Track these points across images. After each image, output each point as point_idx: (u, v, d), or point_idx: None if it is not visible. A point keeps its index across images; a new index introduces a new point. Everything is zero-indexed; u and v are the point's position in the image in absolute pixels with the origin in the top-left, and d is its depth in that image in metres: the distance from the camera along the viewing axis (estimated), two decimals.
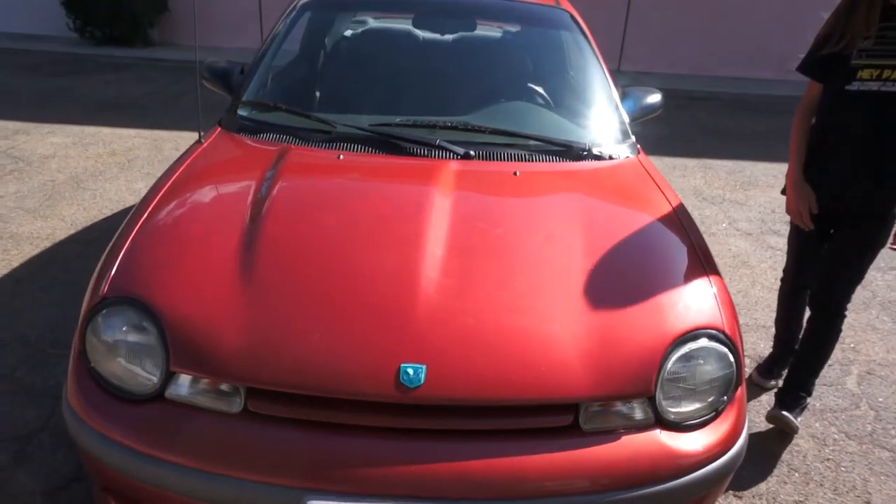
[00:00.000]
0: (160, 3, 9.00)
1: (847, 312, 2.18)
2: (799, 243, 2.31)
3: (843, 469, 2.14)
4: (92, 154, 4.77)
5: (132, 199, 3.98)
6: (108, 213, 3.77)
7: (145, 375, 1.31)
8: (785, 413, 2.19)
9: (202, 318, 1.32)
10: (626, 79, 8.37)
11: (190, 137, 5.22)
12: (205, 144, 2.04)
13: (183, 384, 1.30)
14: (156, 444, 1.26)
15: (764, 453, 2.18)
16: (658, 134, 6.09)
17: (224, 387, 1.28)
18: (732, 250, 3.85)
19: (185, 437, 1.26)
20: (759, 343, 2.88)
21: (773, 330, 2.94)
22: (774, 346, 2.64)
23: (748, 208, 4.56)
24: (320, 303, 1.35)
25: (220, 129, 2.17)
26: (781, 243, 3.98)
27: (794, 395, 2.25)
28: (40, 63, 7.85)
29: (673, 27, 9.10)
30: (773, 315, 3.09)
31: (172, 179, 1.78)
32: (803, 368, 2.26)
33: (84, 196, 3.99)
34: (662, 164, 5.45)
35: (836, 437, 2.30)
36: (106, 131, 5.34)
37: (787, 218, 2.24)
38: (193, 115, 6.51)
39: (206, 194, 1.76)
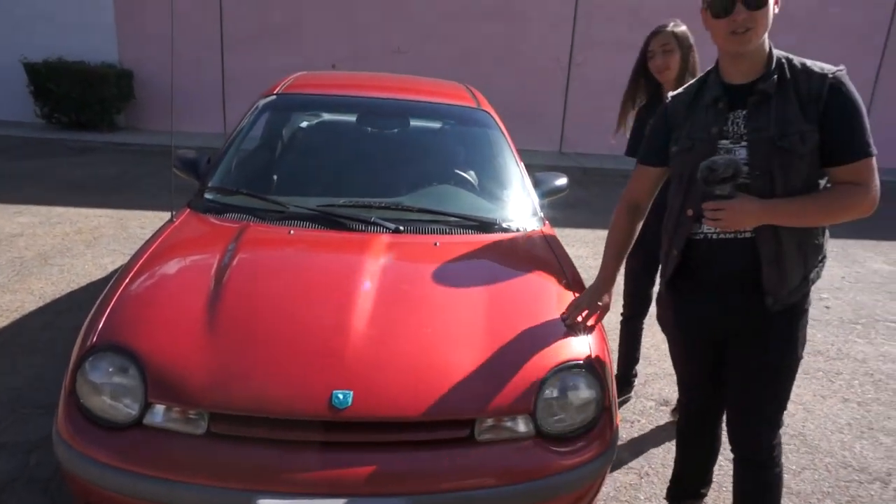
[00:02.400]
0: (127, 91, 9.50)
1: None
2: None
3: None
4: (59, 232, 5.05)
5: (99, 274, 4.26)
6: (75, 286, 4.04)
7: (126, 409, 1.63)
8: None
9: (175, 359, 1.65)
10: (566, 159, 9.11)
11: (154, 216, 5.59)
12: (176, 222, 2.41)
13: (158, 413, 1.62)
14: (135, 462, 1.56)
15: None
16: (596, 209, 6.71)
17: (192, 413, 1.60)
18: (651, 310, 4.30)
19: (159, 456, 1.56)
20: (664, 388, 3.28)
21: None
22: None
23: None
24: (270, 346, 1.71)
25: (189, 209, 2.54)
26: None
27: None
28: (8, 147, 8.15)
29: (609, 114, 9.99)
30: None
31: (150, 251, 2.13)
32: None
33: (52, 271, 4.25)
34: (595, 236, 6.00)
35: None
36: (72, 211, 5.63)
37: None
38: (157, 195, 6.83)
39: (179, 262, 2.12)
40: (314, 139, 3.24)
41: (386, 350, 1.72)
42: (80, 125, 9.12)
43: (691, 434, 2.12)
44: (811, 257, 1.71)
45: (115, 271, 3.12)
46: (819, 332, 4.18)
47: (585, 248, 5.54)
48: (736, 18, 1.58)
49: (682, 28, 2.59)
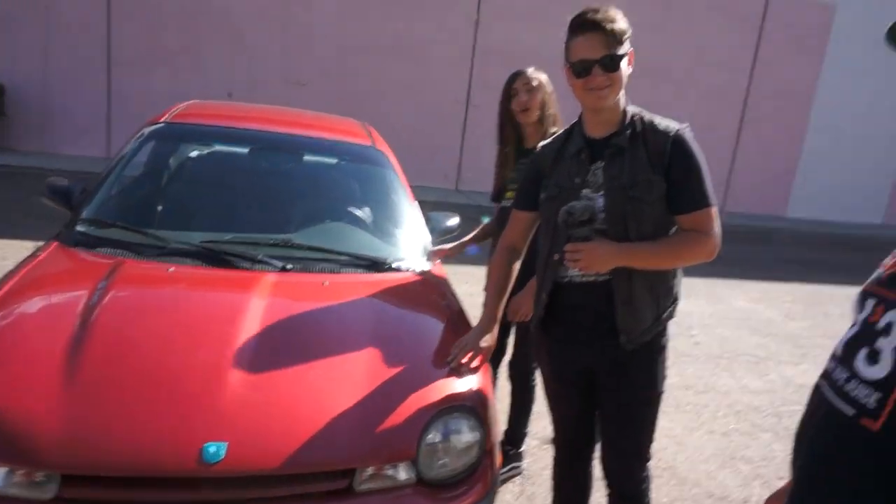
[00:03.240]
0: None
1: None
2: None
3: None
4: None
5: None
6: None
7: None
8: None
9: (23, 413, 1.50)
10: (463, 197, 9.28)
11: (20, 247, 5.14)
12: (41, 256, 2.22)
13: None
14: None
15: None
16: (488, 246, 6.87)
17: (39, 476, 1.46)
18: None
19: None
20: (546, 427, 3.36)
21: None
22: None
23: None
24: (136, 396, 1.59)
25: (56, 243, 2.35)
26: None
27: None
28: None
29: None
30: None
31: (6, 288, 1.95)
32: None
33: None
34: (485, 274, 6.14)
35: None
36: None
37: None
38: (25, 223, 6.27)
39: (40, 301, 1.95)
40: (202, 172, 3.12)
41: (264, 397, 1.66)
42: None
43: (566, 471, 2.20)
44: (663, 299, 1.85)
45: None
46: (689, 366, 4.49)
47: (477, 286, 5.64)
48: (594, 79, 1.73)
49: (543, 75, 2.62)
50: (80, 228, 2.43)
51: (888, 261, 1.05)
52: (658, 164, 1.74)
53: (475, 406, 1.84)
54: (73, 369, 1.63)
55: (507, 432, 2.92)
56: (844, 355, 1.03)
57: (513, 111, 2.61)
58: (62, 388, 1.57)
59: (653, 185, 1.74)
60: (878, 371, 0.94)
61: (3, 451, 1.46)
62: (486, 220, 3.00)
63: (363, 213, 2.88)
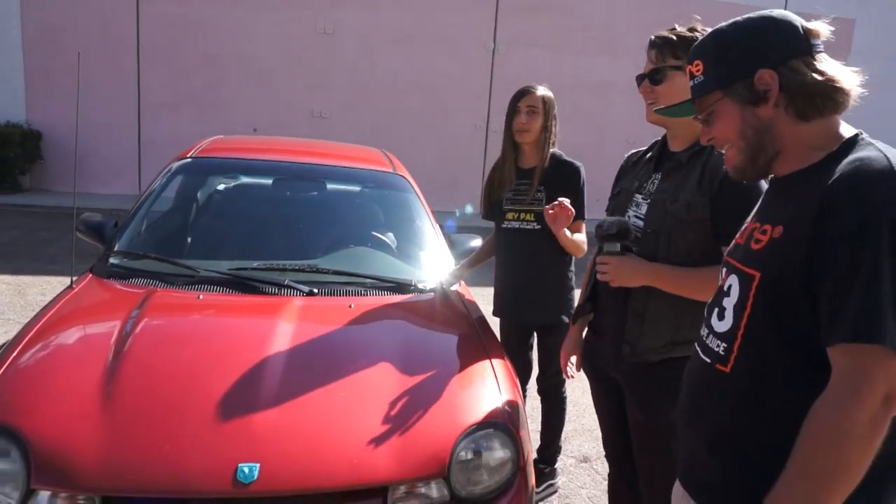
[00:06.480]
0: (34, 152, 9.10)
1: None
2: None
3: None
4: None
5: None
6: None
7: (6, 498, 1.49)
8: None
9: (64, 439, 1.54)
10: (474, 218, 9.18)
11: (57, 282, 5.28)
12: (76, 289, 2.29)
13: (42, 500, 1.49)
14: None
15: None
16: None
17: (81, 499, 1.49)
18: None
19: None
20: (584, 444, 3.32)
21: (597, 433, 3.42)
22: None
23: None
24: (171, 420, 1.62)
25: (91, 275, 2.42)
26: None
27: None
28: None
29: None
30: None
31: (43, 320, 2.01)
32: None
33: None
34: None
35: None
36: None
37: None
38: (61, 260, 6.45)
39: (74, 332, 2.01)
40: (228, 202, 3.19)
41: (295, 418, 1.67)
42: None
43: (612, 488, 2.09)
44: (686, 327, 1.68)
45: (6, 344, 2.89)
46: None
47: None
48: (643, 91, 1.75)
49: (550, 94, 2.57)
50: (113, 261, 2.50)
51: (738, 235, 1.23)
52: (706, 185, 1.62)
53: (506, 422, 1.82)
54: (110, 396, 1.66)
55: (539, 450, 2.87)
56: (707, 316, 1.24)
57: (512, 130, 2.57)
58: (100, 414, 1.61)
59: (692, 204, 1.63)
60: (724, 325, 1.16)
61: (47, 476, 1.49)
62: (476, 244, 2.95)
63: (387, 237, 2.91)
